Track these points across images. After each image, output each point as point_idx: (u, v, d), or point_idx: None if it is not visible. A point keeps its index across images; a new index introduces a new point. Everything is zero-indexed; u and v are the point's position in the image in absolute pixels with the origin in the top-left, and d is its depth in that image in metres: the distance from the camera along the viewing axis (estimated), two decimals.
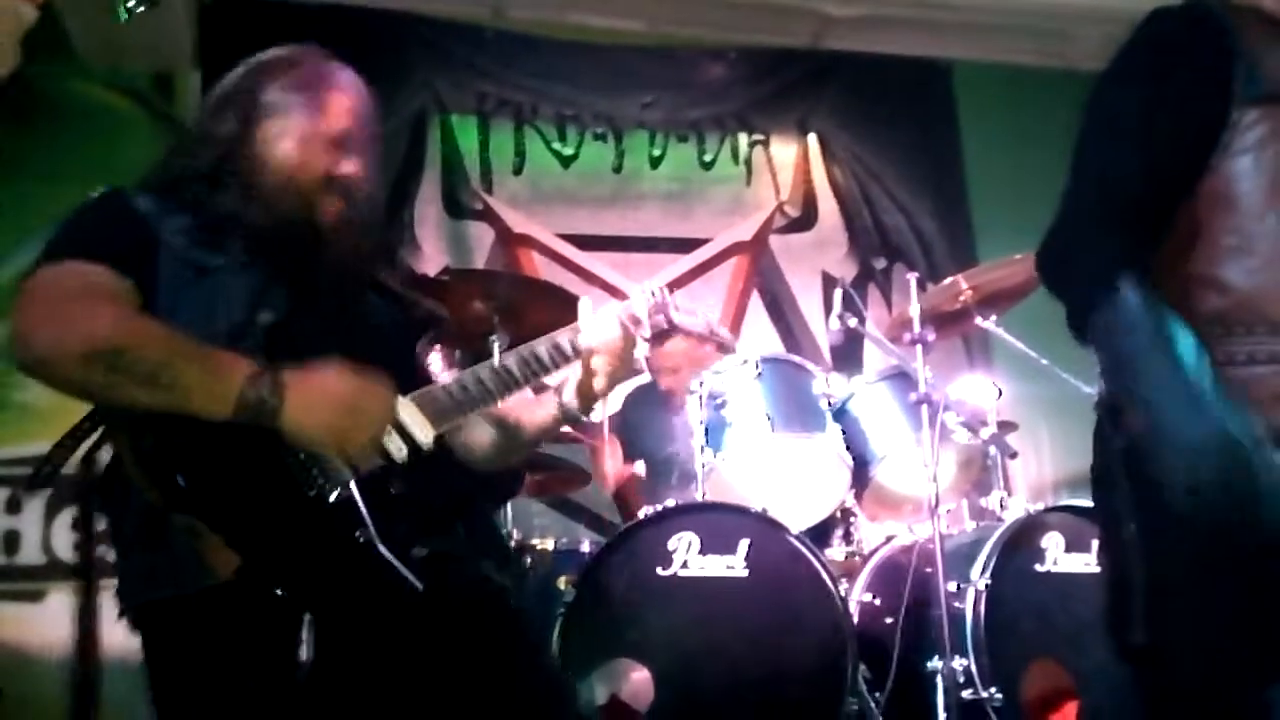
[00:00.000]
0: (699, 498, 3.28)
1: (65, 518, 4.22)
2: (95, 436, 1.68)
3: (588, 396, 1.93)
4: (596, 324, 1.92)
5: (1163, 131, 1.58)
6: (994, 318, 3.68)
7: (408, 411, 1.70)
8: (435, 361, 1.98)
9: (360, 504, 1.58)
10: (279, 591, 1.53)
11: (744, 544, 3.01)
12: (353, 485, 1.60)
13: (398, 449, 1.66)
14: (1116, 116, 1.65)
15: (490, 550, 1.87)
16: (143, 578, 1.62)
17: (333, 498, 1.58)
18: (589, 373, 1.91)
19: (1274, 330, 1.53)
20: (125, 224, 1.70)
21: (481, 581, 1.80)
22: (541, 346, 1.90)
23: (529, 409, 1.99)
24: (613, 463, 4.03)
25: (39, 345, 1.56)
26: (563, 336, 1.92)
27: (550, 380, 1.94)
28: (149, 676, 1.64)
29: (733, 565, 2.99)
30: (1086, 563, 3.11)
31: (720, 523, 3.05)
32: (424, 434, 1.70)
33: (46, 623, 4.06)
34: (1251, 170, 1.54)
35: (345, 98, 1.83)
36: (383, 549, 1.57)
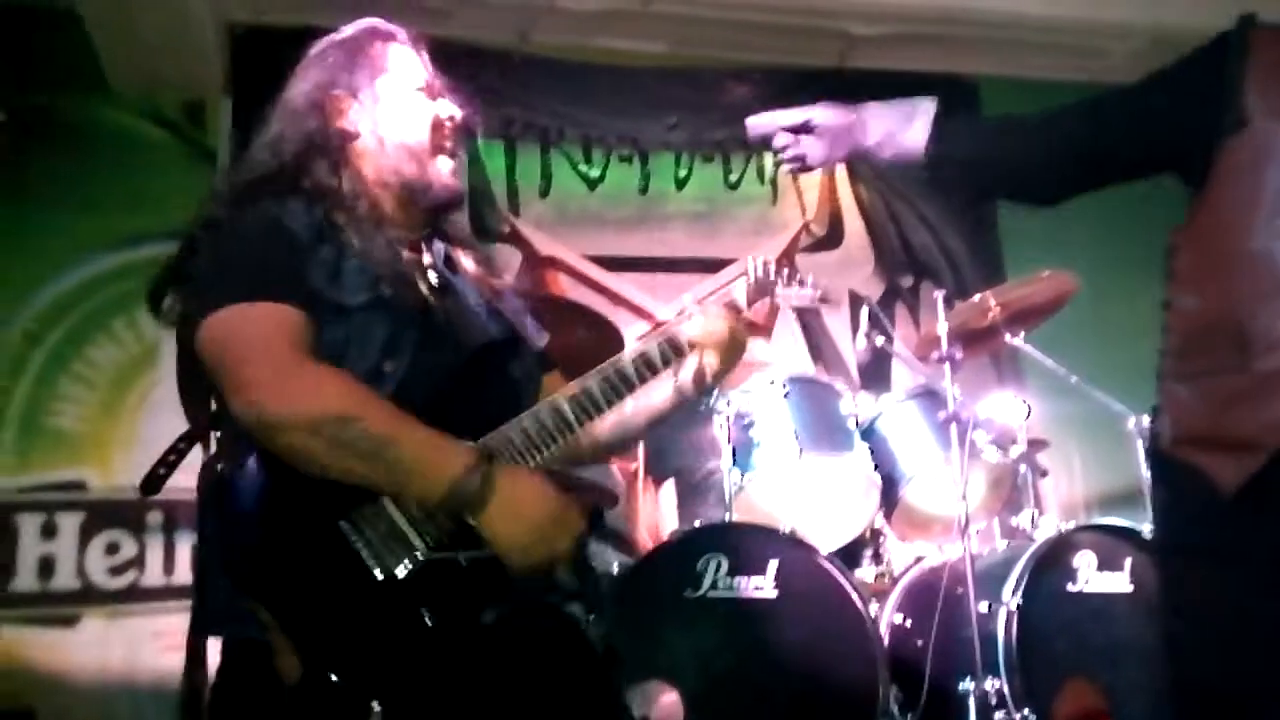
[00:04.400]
0: (727, 518, 3.27)
1: (99, 542, 4.26)
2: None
3: (700, 383, 1.88)
4: (699, 320, 1.86)
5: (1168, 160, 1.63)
6: (1023, 335, 3.66)
7: None
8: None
9: (426, 582, 1.52)
10: (339, 681, 1.47)
11: (773, 565, 3.00)
12: (418, 560, 1.53)
13: None
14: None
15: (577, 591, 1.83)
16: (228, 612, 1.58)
17: (400, 573, 1.52)
18: (701, 363, 1.86)
19: (1239, 346, 1.55)
20: (290, 252, 1.65)
21: (560, 628, 1.76)
22: (628, 363, 1.79)
23: (644, 391, 1.88)
24: (644, 508, 4.00)
25: (269, 411, 1.52)
26: (651, 345, 1.82)
27: (639, 392, 1.84)
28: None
29: (761, 586, 2.98)
30: (1119, 581, 3.08)
31: (749, 544, 3.04)
32: None
33: (80, 647, 4.09)
34: (1229, 196, 1.58)
35: None
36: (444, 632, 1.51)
